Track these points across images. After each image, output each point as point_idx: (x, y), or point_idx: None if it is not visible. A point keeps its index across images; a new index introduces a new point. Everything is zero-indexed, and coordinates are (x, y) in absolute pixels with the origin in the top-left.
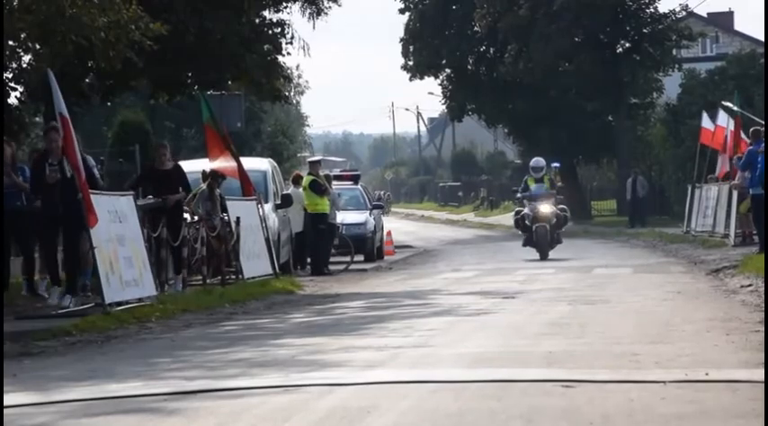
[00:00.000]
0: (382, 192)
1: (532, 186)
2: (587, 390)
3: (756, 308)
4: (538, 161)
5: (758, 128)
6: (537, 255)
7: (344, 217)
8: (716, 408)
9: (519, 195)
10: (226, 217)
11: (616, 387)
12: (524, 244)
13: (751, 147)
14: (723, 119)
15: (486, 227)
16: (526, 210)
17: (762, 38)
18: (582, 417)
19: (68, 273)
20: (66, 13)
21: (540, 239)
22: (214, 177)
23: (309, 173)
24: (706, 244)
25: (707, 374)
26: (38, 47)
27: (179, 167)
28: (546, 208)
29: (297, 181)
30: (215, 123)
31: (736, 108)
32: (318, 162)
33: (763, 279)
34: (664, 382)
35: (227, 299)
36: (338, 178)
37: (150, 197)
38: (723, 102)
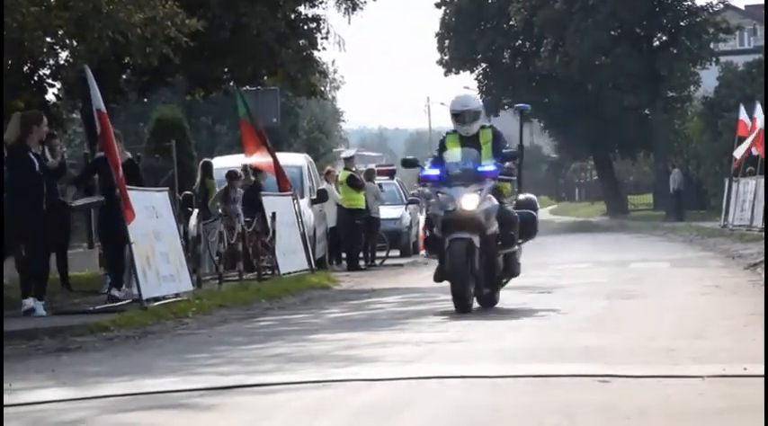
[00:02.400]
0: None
1: (453, 153)
2: (624, 385)
3: None
4: (464, 99)
5: None
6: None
7: (380, 212)
8: (754, 403)
9: (423, 174)
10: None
11: (653, 382)
12: (436, 278)
13: None
14: (759, 112)
15: None
16: (434, 209)
17: None
18: (618, 412)
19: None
20: (102, 9)
21: (457, 268)
22: (231, 179)
23: (346, 168)
24: (744, 239)
25: (745, 369)
26: (75, 43)
27: (132, 162)
28: (471, 201)
29: (328, 176)
30: (251, 118)
31: None
32: (353, 157)
33: None
34: (701, 377)
35: (263, 295)
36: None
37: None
38: None
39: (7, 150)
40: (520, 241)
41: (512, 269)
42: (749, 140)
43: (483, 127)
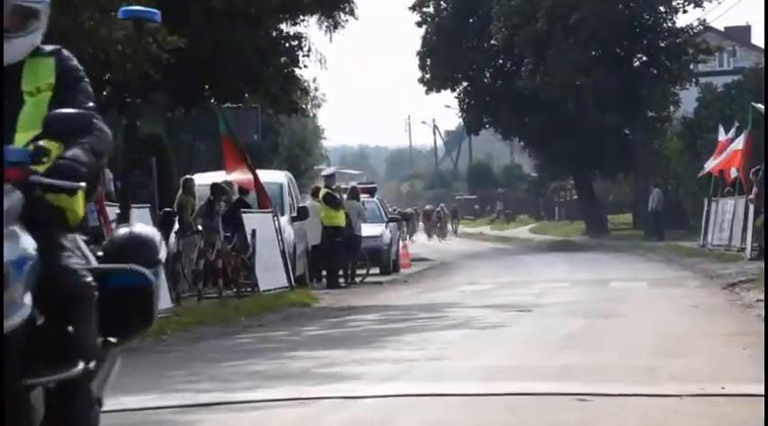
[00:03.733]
0: (438, 207)
1: None
2: (603, 403)
3: None
4: None
5: None
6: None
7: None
8: (732, 422)
9: None
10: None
11: (632, 401)
12: None
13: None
14: (733, 133)
15: (502, 240)
16: None
17: None
18: None
19: None
20: (83, 25)
21: None
22: (216, 193)
23: (325, 186)
24: (722, 258)
25: (723, 388)
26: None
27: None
28: None
29: (315, 193)
30: (232, 135)
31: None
32: (333, 175)
33: None
34: (680, 396)
35: (242, 312)
36: None
37: None
38: (753, 104)
39: None
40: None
41: None
42: (721, 157)
43: None
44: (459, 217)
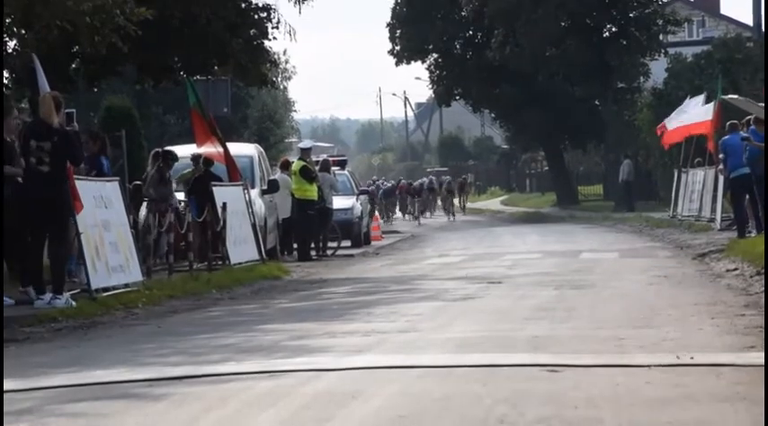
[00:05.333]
0: (446, 177)
1: None
2: (572, 374)
3: (742, 292)
4: None
5: (735, 121)
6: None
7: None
8: (701, 392)
9: None
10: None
11: (601, 372)
12: None
13: (726, 138)
14: (697, 102)
15: (473, 212)
16: None
17: (747, 22)
18: (567, 401)
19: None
20: None
21: None
22: (165, 159)
23: (300, 159)
24: (692, 229)
25: (692, 358)
26: (23, 32)
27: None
28: None
29: (285, 166)
30: (201, 108)
31: (724, 97)
32: (310, 148)
33: (748, 263)
34: (649, 366)
35: (213, 285)
36: None
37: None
38: (720, 96)
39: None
40: None
41: None
42: (685, 122)
43: None
44: (467, 191)
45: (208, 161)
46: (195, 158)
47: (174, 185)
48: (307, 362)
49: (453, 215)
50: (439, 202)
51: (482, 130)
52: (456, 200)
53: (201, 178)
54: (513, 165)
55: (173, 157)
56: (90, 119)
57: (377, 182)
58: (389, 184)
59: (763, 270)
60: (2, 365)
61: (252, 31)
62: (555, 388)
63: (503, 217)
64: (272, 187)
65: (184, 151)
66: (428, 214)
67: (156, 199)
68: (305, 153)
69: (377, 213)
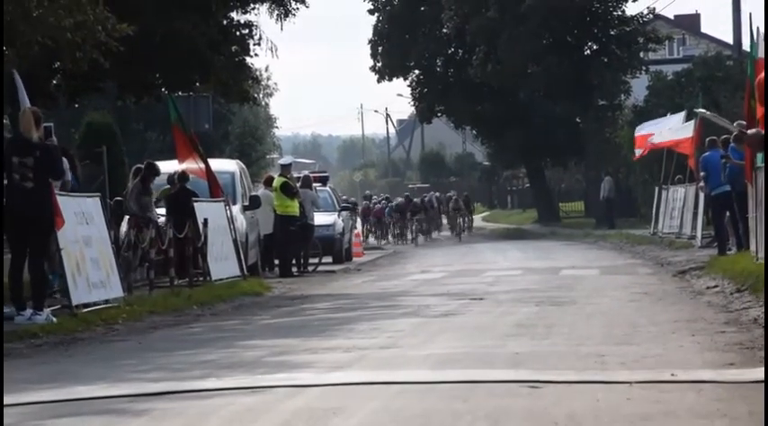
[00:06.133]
0: (454, 194)
1: None
2: (553, 391)
3: (722, 309)
4: None
5: (714, 138)
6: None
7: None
8: (681, 408)
9: None
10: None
11: (582, 388)
12: None
13: (706, 154)
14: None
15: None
16: None
17: (728, 40)
18: (548, 418)
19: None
20: (32, 13)
21: None
22: (148, 171)
23: (281, 175)
24: (673, 246)
25: (672, 375)
26: (3, 48)
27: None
28: None
29: (269, 182)
30: (183, 124)
31: (701, 111)
32: (290, 164)
33: (728, 280)
34: (629, 383)
35: (194, 301)
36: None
37: None
38: (695, 109)
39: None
40: None
41: None
42: (667, 138)
43: None
44: (472, 208)
45: (183, 176)
46: (171, 179)
47: (154, 199)
48: (288, 378)
49: (461, 233)
50: (444, 220)
51: (463, 147)
52: (460, 219)
53: (177, 195)
54: (494, 182)
55: (155, 171)
56: (71, 135)
57: (374, 200)
58: (400, 199)
59: (743, 288)
60: (2, 373)
61: (234, 48)
62: (536, 405)
63: (484, 233)
64: (254, 203)
65: (166, 167)
66: (435, 233)
67: (136, 213)
68: (285, 169)
69: (367, 233)
